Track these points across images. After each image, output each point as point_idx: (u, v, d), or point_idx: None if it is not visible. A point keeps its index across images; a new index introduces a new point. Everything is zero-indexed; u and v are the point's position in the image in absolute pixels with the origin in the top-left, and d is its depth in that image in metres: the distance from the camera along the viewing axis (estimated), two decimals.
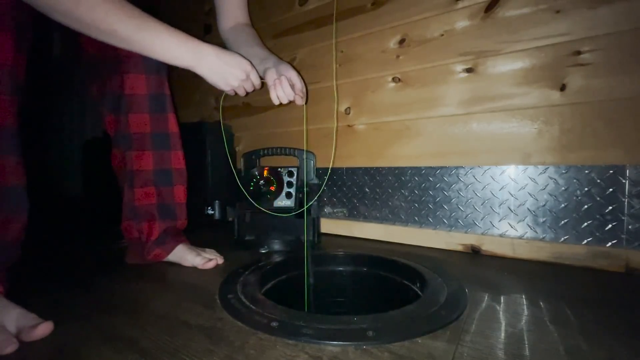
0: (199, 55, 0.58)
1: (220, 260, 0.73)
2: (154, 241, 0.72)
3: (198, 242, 0.78)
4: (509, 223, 0.73)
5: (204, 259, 0.70)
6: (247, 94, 0.70)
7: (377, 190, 0.91)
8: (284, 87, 0.67)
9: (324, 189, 1.00)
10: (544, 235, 0.70)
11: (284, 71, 0.69)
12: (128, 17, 0.53)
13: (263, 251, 0.81)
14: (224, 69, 0.61)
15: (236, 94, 0.69)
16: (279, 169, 0.86)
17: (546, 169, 0.69)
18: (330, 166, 0.96)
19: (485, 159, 0.76)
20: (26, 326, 0.43)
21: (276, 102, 0.69)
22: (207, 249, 0.76)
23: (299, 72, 0.72)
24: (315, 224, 0.86)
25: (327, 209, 1.01)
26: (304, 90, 0.73)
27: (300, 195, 0.82)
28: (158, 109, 0.72)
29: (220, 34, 0.85)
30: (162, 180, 0.73)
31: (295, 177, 0.85)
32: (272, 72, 0.68)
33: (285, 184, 0.84)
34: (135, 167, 0.72)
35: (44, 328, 0.43)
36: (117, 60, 0.69)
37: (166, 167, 0.74)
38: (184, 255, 0.72)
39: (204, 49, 0.59)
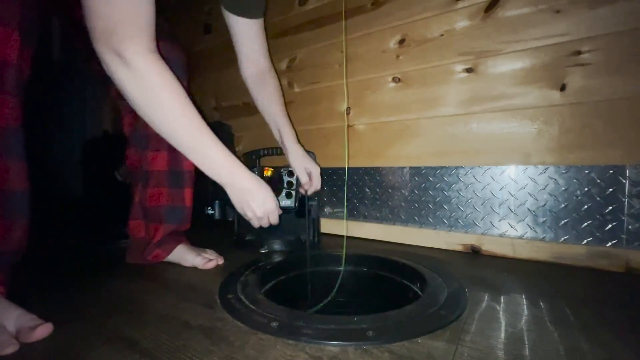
0: (233, 183, 0.59)
1: (221, 261, 0.74)
2: (156, 243, 0.72)
3: (198, 242, 0.78)
4: (509, 223, 0.73)
5: (204, 259, 0.70)
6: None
7: (377, 190, 0.91)
8: (315, 185, 0.80)
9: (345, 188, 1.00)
10: (544, 235, 0.70)
11: (313, 169, 0.79)
12: (191, 129, 0.54)
13: (263, 251, 0.81)
14: (247, 202, 0.61)
15: None
16: (279, 169, 0.86)
17: (546, 169, 0.69)
18: (347, 166, 0.95)
19: (485, 159, 0.76)
20: (26, 327, 0.43)
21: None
22: (208, 249, 0.76)
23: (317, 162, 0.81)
24: (315, 224, 0.86)
25: (327, 209, 1.01)
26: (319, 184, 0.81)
27: (301, 195, 0.82)
28: None
29: (243, 78, 0.83)
30: (174, 182, 0.74)
31: (295, 177, 0.85)
32: (301, 167, 0.78)
33: (285, 184, 0.84)
34: (151, 167, 0.72)
35: (43, 329, 0.43)
36: None
37: (179, 168, 0.74)
38: (184, 256, 0.72)
39: (242, 182, 0.59)
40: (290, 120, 0.83)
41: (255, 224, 0.65)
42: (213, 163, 0.56)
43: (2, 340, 0.40)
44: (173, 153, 0.73)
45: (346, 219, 0.95)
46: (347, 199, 0.97)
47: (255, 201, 0.61)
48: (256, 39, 0.80)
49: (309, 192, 0.80)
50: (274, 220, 0.66)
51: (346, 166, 0.95)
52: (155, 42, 0.51)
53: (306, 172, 0.79)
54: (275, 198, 0.65)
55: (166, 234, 0.73)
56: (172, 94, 0.51)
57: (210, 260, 0.71)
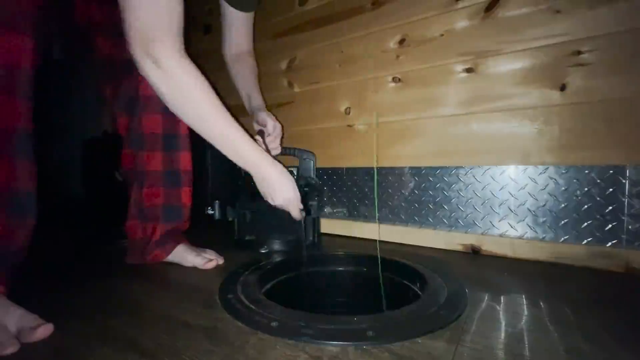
0: (258, 171, 0.64)
1: (221, 261, 0.74)
2: (155, 242, 0.72)
3: (198, 242, 0.78)
4: (509, 223, 0.73)
5: (204, 259, 0.71)
6: None
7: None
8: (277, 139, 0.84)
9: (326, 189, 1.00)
10: (544, 235, 0.70)
11: (277, 124, 0.83)
12: (220, 123, 0.58)
13: (263, 251, 0.81)
14: (270, 191, 0.66)
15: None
16: None
17: (546, 169, 0.69)
18: (375, 166, 0.92)
19: (485, 159, 0.76)
20: (27, 327, 0.43)
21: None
22: (207, 249, 0.76)
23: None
24: (315, 224, 0.86)
25: (327, 209, 1.01)
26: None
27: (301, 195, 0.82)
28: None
29: (224, 56, 0.91)
30: (170, 182, 0.74)
31: (295, 177, 0.85)
32: (269, 120, 0.82)
33: None
34: (146, 167, 0.73)
35: (44, 330, 0.43)
36: (133, 62, 0.69)
37: (175, 168, 0.74)
38: (185, 256, 0.72)
39: (265, 171, 0.63)
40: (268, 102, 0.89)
41: (281, 208, 0.70)
42: (240, 153, 0.61)
43: (3, 340, 0.40)
44: (168, 153, 0.73)
45: (378, 222, 0.95)
46: (347, 199, 0.97)
47: (274, 190, 0.65)
48: (244, 28, 0.89)
49: (274, 140, 0.83)
50: (294, 211, 0.69)
51: (375, 166, 0.92)
52: (184, 45, 0.55)
53: (272, 125, 0.83)
54: (296, 190, 0.67)
55: (165, 233, 0.73)
56: (201, 91, 0.56)
57: (211, 260, 0.71)
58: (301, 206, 0.69)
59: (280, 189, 0.65)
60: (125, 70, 0.71)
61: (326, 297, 0.75)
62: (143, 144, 0.72)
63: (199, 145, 1.11)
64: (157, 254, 0.72)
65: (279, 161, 0.68)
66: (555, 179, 0.68)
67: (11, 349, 0.40)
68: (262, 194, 0.68)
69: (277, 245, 0.83)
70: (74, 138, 1.46)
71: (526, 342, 0.39)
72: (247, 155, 0.61)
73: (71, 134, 1.48)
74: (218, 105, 0.57)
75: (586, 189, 0.66)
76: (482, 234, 0.76)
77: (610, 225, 0.64)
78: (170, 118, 0.73)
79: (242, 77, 0.89)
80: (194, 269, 0.70)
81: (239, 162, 0.62)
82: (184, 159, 0.75)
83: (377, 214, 0.92)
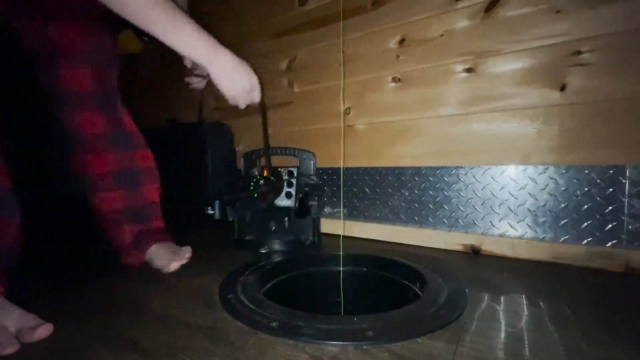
0: (216, 54, 0.58)
1: (185, 259, 0.71)
2: (129, 245, 0.71)
3: (198, 242, 0.78)
4: (509, 223, 0.73)
5: (167, 262, 0.68)
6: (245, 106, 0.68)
7: (377, 190, 0.91)
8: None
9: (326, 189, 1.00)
10: (544, 235, 0.70)
11: None
12: (165, 11, 0.51)
13: (263, 251, 0.81)
14: (233, 75, 0.61)
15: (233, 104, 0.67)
16: (279, 169, 0.86)
17: (546, 169, 0.69)
18: (342, 166, 0.95)
19: (485, 159, 0.76)
20: (26, 327, 0.43)
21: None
22: (184, 247, 0.74)
23: None
24: (315, 224, 0.86)
25: (327, 209, 1.01)
26: None
27: (301, 195, 0.82)
28: (106, 106, 0.67)
29: None
30: (127, 183, 0.70)
31: (295, 177, 0.85)
32: None
33: (285, 184, 0.84)
34: (94, 171, 0.68)
35: (44, 330, 0.43)
36: (53, 53, 0.63)
37: (129, 168, 0.70)
38: (157, 256, 0.70)
39: (222, 51, 0.59)
40: None
41: (243, 101, 0.64)
42: (193, 40, 0.55)
43: (3, 340, 0.40)
44: (117, 153, 0.68)
45: (343, 219, 0.95)
46: (347, 199, 0.97)
47: (242, 74, 0.61)
48: None
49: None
50: (257, 95, 0.65)
51: (342, 166, 0.94)
52: None
53: None
54: (253, 76, 0.64)
55: (137, 235, 0.71)
56: None
57: (174, 261, 0.68)
58: (258, 94, 0.66)
59: (240, 76, 0.61)
60: (45, 62, 0.64)
61: (326, 297, 0.75)
62: (85, 145, 0.67)
63: (199, 145, 1.11)
64: (135, 256, 0.71)
65: None
66: (555, 179, 0.68)
67: (11, 349, 0.40)
68: (224, 87, 0.62)
69: (277, 245, 0.83)
70: None
71: (526, 342, 0.39)
72: (200, 42, 0.55)
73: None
74: None
75: (586, 189, 0.66)
76: (482, 234, 0.76)
77: (610, 225, 0.64)
78: (110, 116, 0.67)
79: None
80: (196, 267, 0.70)
81: (194, 53, 0.56)
82: (139, 156, 0.71)
83: (342, 210, 0.95)
